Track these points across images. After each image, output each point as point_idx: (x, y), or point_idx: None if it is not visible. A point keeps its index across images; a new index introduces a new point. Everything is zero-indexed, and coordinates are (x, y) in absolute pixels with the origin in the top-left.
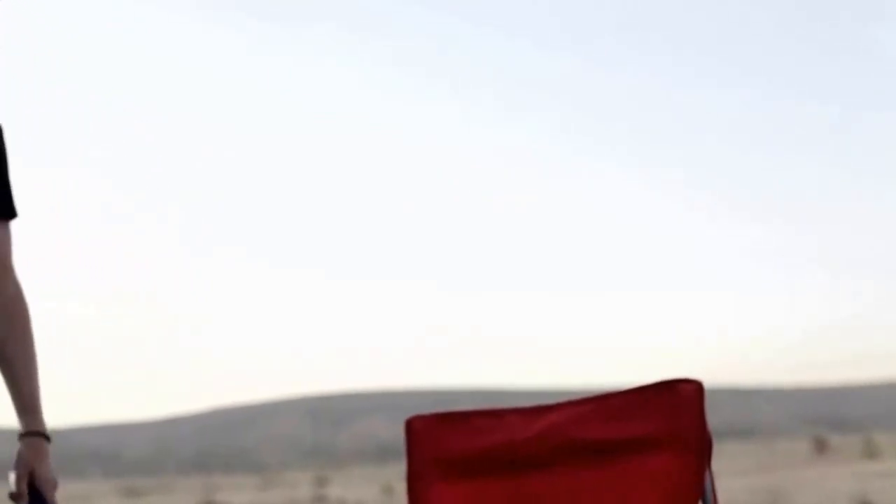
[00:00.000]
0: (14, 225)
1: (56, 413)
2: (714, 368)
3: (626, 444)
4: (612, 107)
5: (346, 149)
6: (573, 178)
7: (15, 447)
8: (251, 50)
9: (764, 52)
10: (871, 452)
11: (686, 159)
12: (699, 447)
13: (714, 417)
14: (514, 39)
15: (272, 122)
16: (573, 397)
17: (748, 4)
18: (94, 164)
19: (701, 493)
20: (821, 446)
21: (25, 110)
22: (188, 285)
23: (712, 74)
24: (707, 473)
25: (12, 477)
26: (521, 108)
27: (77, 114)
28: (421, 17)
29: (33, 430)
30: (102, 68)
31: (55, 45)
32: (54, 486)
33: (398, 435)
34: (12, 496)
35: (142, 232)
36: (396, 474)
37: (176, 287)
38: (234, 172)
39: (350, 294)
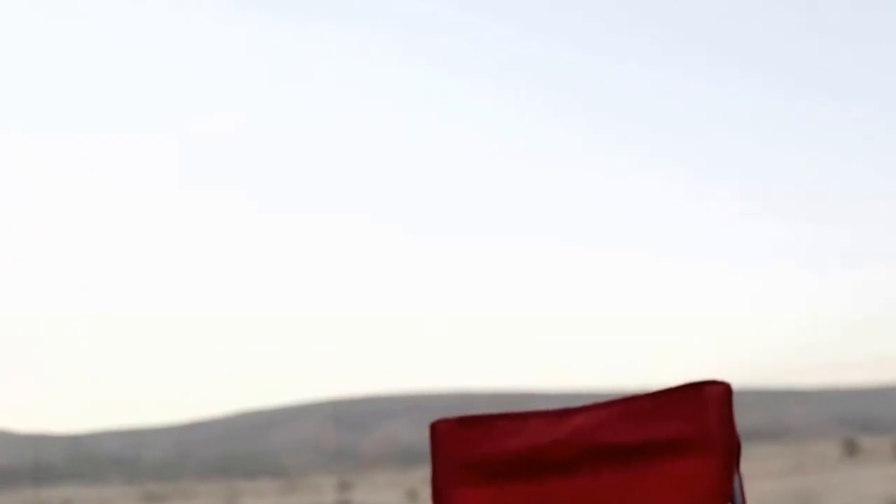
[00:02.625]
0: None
1: (77, 418)
2: (742, 370)
3: (652, 448)
4: (638, 105)
5: (381, 148)
6: (594, 175)
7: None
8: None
9: (792, 48)
10: None
11: (716, 158)
12: (727, 450)
13: (743, 419)
14: (530, 34)
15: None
16: (599, 400)
17: (776, 2)
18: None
19: (729, 496)
20: (851, 448)
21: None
22: (205, 293)
23: (742, 73)
24: (735, 476)
25: None
26: (546, 105)
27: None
28: (450, 16)
29: None
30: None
31: (74, 45)
32: None
33: (423, 439)
34: None
35: (163, 240)
36: (421, 479)
37: (192, 295)
38: (252, 176)
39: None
